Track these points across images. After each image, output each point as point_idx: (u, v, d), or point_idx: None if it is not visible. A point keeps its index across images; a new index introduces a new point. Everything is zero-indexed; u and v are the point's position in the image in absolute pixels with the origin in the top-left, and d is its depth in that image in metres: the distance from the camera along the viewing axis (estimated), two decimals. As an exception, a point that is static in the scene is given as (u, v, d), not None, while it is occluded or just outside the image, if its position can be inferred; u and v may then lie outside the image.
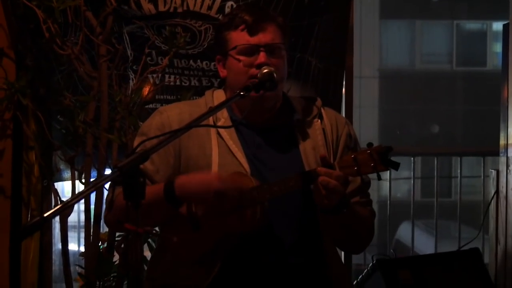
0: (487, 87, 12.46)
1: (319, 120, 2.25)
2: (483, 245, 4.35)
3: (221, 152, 2.15)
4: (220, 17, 2.98)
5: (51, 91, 3.13)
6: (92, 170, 3.07)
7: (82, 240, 3.36)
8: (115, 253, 3.06)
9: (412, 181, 4.73)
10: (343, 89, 3.36)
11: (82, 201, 3.15)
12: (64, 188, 3.80)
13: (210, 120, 2.17)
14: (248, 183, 2.06)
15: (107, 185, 2.41)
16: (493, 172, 4.01)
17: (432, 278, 3.46)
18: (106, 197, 2.48)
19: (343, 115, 3.14)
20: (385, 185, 5.02)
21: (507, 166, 3.82)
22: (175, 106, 2.29)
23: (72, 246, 4.00)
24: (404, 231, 7.98)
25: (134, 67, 3.10)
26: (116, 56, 3.01)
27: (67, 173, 3.22)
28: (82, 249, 3.18)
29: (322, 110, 2.27)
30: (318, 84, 3.22)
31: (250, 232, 2.08)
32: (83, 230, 3.16)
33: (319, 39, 3.19)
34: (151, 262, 2.32)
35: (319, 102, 2.29)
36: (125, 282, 3.01)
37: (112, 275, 3.02)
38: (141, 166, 1.72)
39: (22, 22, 3.07)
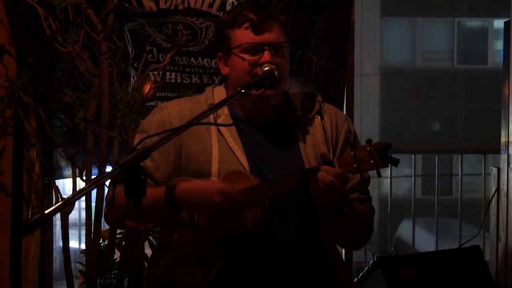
0: (488, 84, 12.45)
1: (319, 117, 2.25)
2: (484, 243, 4.35)
3: (221, 149, 2.15)
4: (221, 14, 2.98)
5: (52, 89, 3.13)
6: (93, 167, 3.07)
7: (83, 238, 3.36)
8: (116, 251, 3.07)
9: (413, 179, 4.74)
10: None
11: (83, 198, 3.15)
12: (65, 186, 3.80)
13: (211, 117, 2.16)
14: (248, 182, 2.06)
15: (107, 183, 2.42)
16: (494, 170, 4.01)
17: (433, 276, 3.45)
18: (107, 195, 2.48)
19: (344, 113, 3.14)
20: (386, 182, 5.03)
21: (508, 163, 3.82)
22: (175, 103, 2.28)
23: (73, 244, 4.01)
24: (405, 229, 7.98)
25: (135, 65, 3.10)
26: (117, 53, 3.01)
27: (68, 171, 3.22)
28: (83, 246, 3.18)
29: (322, 107, 2.27)
30: (320, 81, 3.22)
31: (250, 231, 2.08)
32: (84, 227, 3.17)
33: (320, 37, 3.18)
34: (151, 259, 2.32)
35: (319, 98, 2.29)
36: (126, 280, 3.02)
37: (112, 272, 3.03)
38: (142, 163, 1.72)
39: (23, 20, 3.07)
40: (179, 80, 3.15)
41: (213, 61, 3.08)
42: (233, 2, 3.02)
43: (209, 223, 2.10)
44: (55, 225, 3.56)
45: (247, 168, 2.12)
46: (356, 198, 2.20)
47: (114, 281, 3.02)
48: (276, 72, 2.10)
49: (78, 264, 3.13)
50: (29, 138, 3.14)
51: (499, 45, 13.27)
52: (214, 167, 2.14)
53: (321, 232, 2.19)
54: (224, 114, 2.20)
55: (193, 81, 3.15)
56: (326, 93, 3.14)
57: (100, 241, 3.08)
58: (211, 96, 2.24)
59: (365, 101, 12.93)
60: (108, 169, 3.05)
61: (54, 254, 3.35)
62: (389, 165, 2.00)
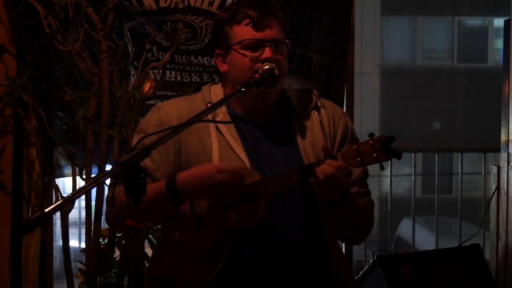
0: (488, 83, 12.44)
1: (316, 112, 2.25)
2: (484, 241, 4.35)
3: (221, 147, 2.15)
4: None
5: (52, 87, 3.13)
6: (93, 166, 3.07)
7: (83, 237, 3.36)
8: (116, 249, 3.07)
9: (413, 178, 4.73)
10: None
11: (83, 197, 3.15)
12: (65, 185, 3.80)
13: (209, 116, 2.15)
14: (250, 177, 2.06)
15: (107, 181, 2.42)
16: (494, 168, 4.01)
17: (433, 274, 3.45)
18: (107, 195, 2.48)
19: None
20: (386, 181, 5.03)
21: (508, 162, 3.82)
22: (173, 102, 2.28)
23: (73, 243, 4.01)
24: (405, 227, 7.98)
25: (135, 63, 3.10)
26: (117, 52, 3.01)
27: (68, 169, 3.22)
28: (83, 245, 3.18)
29: (319, 102, 2.27)
30: (320, 80, 3.22)
31: (253, 228, 2.08)
32: (84, 226, 3.17)
33: (320, 36, 3.18)
34: (152, 258, 2.31)
35: (315, 92, 2.29)
36: (126, 278, 3.02)
37: (112, 271, 3.02)
38: (141, 164, 1.72)
39: (23, 18, 3.07)
40: (179, 79, 3.15)
41: (213, 59, 3.07)
42: (233, 0, 3.02)
43: (211, 219, 2.10)
44: (55, 224, 3.56)
45: (248, 165, 2.12)
46: (355, 192, 2.20)
47: (114, 280, 3.03)
48: (276, 71, 2.10)
49: (78, 263, 3.13)
50: (29, 137, 3.13)
51: (499, 43, 13.25)
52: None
53: (323, 229, 2.19)
54: (222, 112, 2.20)
55: (193, 79, 3.15)
56: (326, 92, 3.14)
57: (100, 240, 3.07)
58: (208, 95, 2.24)
59: (365, 100, 12.94)
60: (108, 167, 3.05)
61: (54, 253, 3.35)
62: (392, 158, 1.99)
